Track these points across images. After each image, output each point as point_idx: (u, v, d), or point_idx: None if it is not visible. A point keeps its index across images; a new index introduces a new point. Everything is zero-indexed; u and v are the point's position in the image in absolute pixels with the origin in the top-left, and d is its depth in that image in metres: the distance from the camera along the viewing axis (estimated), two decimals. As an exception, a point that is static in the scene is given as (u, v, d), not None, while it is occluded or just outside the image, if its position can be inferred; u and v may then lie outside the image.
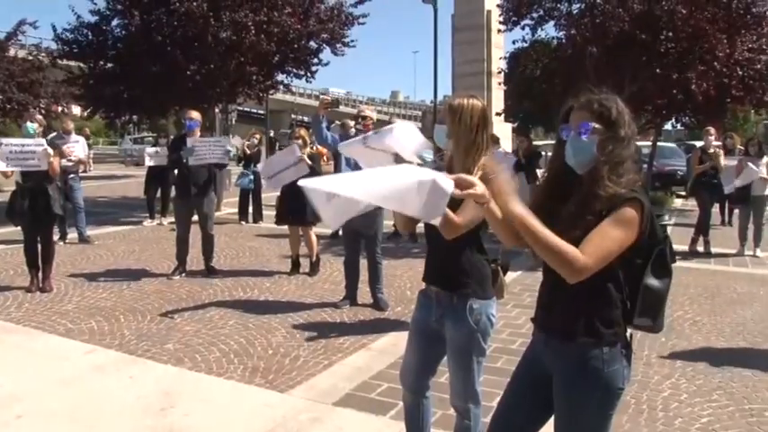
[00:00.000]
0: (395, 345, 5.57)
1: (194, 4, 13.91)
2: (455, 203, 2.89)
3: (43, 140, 7.57)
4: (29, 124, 7.76)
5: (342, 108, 18.68)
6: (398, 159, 3.09)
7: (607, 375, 2.33)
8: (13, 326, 6.18)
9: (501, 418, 2.65)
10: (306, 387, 4.74)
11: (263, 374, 4.98)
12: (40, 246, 7.60)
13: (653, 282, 2.33)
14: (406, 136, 3.24)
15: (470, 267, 3.05)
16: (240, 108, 30.69)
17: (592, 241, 2.18)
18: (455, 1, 25.70)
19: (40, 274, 7.55)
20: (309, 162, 7.93)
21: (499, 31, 18.66)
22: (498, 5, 17.21)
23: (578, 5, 15.63)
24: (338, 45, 17.01)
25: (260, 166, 8.76)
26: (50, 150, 7.37)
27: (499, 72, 20.99)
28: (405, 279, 8.15)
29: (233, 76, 15.49)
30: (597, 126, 2.29)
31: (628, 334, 2.39)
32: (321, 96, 6.35)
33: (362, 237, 6.88)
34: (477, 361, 3.08)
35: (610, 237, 2.20)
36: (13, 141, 7.48)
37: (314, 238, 8.36)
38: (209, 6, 14.15)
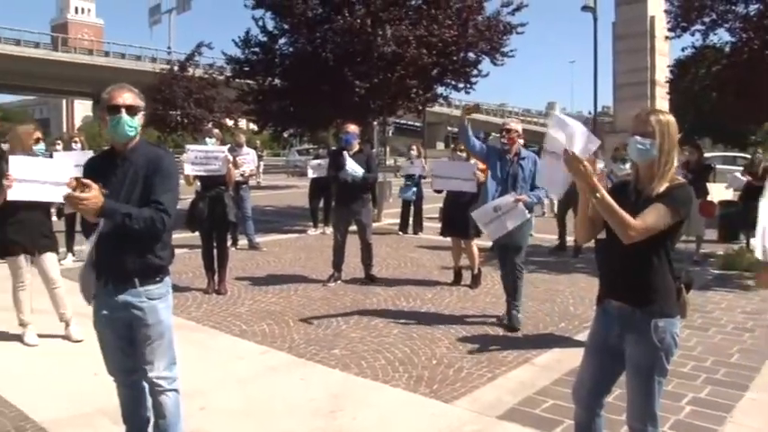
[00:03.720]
0: (559, 361, 5.46)
1: (357, 20, 14.35)
2: (637, 208, 2.83)
3: (225, 147, 8.12)
4: (208, 140, 8.33)
5: (495, 119, 18.58)
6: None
7: None
8: (194, 324, 6.62)
9: None
10: (470, 399, 4.72)
11: (427, 384, 5.01)
12: (215, 251, 8.11)
13: None
14: (566, 127, 3.09)
15: (656, 282, 2.92)
16: (397, 121, 31.31)
17: None
18: (616, 8, 24.87)
19: (216, 277, 8.05)
20: (481, 181, 8.01)
21: (666, 38, 17.83)
22: (666, 11, 16.48)
23: (756, 6, 14.66)
24: (497, 55, 16.95)
25: (431, 165, 8.99)
26: (230, 157, 7.89)
27: (666, 81, 20.05)
28: (567, 294, 7.95)
29: (394, 89, 15.82)
30: None
31: None
32: (463, 104, 6.36)
33: (507, 249, 6.68)
34: (658, 381, 2.97)
35: None
36: (198, 147, 8.11)
37: (475, 251, 8.35)
38: (372, 21, 14.57)
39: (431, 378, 5.13)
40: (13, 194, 5.56)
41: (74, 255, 9.87)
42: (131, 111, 3.27)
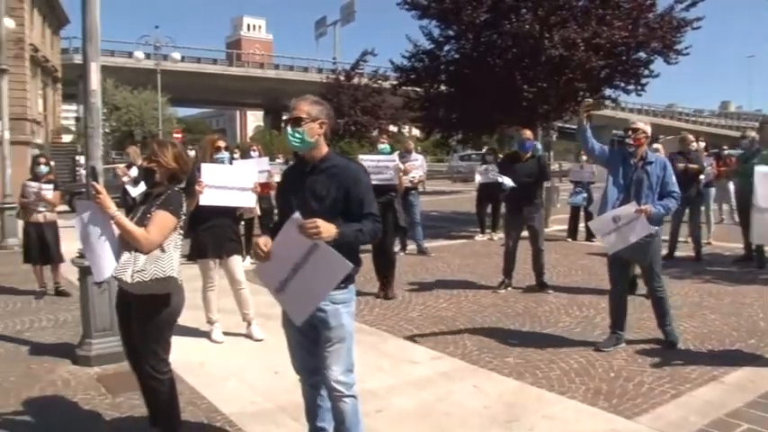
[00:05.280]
0: (752, 381, 5.09)
1: (526, 25, 14.18)
2: None
3: (396, 156, 8.28)
4: (384, 145, 8.53)
5: (664, 120, 17.54)
6: None
7: None
8: (367, 328, 6.80)
9: None
10: (653, 416, 4.49)
11: (605, 397, 4.84)
12: (384, 256, 8.27)
13: None
14: None
15: None
16: (561, 125, 30.58)
17: None
18: (807, -6, 22.67)
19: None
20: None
21: None
22: None
23: None
24: (671, 53, 16.11)
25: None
26: (401, 165, 8.04)
27: None
28: (755, 308, 7.40)
29: (562, 93, 15.48)
30: None
31: None
32: (585, 100, 5.93)
33: (624, 266, 6.16)
34: None
35: None
36: (371, 157, 8.33)
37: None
38: (540, 26, 14.34)
39: (609, 391, 4.95)
40: (204, 200, 5.99)
41: (252, 257, 10.44)
42: (297, 122, 3.37)
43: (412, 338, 6.44)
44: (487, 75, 14.98)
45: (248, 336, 6.53)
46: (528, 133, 8.64)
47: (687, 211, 10.62)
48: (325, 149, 3.47)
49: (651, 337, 6.31)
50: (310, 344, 3.55)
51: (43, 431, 4.52)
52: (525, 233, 8.58)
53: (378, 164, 8.13)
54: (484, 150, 17.34)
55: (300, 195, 3.42)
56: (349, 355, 3.51)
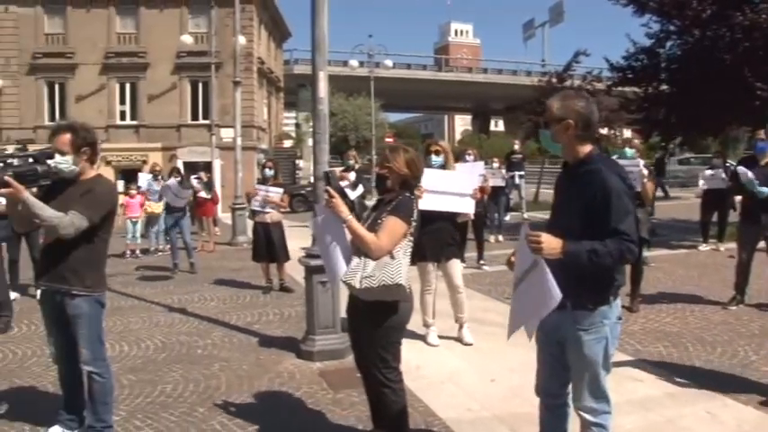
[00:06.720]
0: None
1: (763, 16, 12.98)
2: None
3: (640, 161, 7.78)
4: (627, 149, 8.16)
5: None
6: None
7: None
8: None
9: None
10: None
11: None
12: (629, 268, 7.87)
13: None
14: None
15: None
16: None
17: None
18: None
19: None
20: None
21: None
22: None
23: None
24: None
25: None
26: (645, 171, 7.57)
27: None
28: None
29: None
30: None
31: None
32: None
33: None
34: None
35: None
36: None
37: None
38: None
39: None
40: (423, 205, 6.06)
41: (464, 261, 10.46)
42: (546, 124, 3.20)
43: (708, 346, 6.09)
44: (714, 72, 13.87)
45: (458, 339, 6.55)
46: (762, 134, 7.87)
47: None
48: (583, 151, 3.11)
49: None
50: (558, 364, 3.27)
51: (271, 419, 4.79)
52: (761, 245, 7.84)
53: None
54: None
55: (557, 202, 3.27)
56: (593, 382, 3.14)
